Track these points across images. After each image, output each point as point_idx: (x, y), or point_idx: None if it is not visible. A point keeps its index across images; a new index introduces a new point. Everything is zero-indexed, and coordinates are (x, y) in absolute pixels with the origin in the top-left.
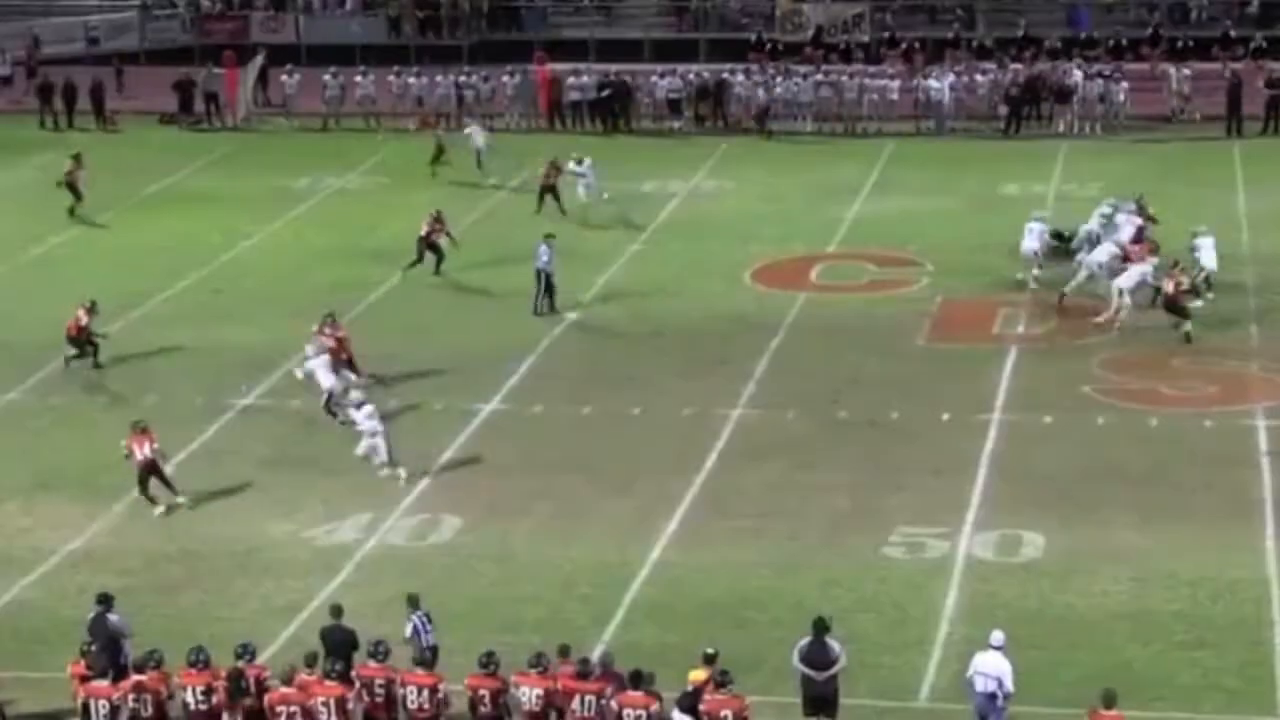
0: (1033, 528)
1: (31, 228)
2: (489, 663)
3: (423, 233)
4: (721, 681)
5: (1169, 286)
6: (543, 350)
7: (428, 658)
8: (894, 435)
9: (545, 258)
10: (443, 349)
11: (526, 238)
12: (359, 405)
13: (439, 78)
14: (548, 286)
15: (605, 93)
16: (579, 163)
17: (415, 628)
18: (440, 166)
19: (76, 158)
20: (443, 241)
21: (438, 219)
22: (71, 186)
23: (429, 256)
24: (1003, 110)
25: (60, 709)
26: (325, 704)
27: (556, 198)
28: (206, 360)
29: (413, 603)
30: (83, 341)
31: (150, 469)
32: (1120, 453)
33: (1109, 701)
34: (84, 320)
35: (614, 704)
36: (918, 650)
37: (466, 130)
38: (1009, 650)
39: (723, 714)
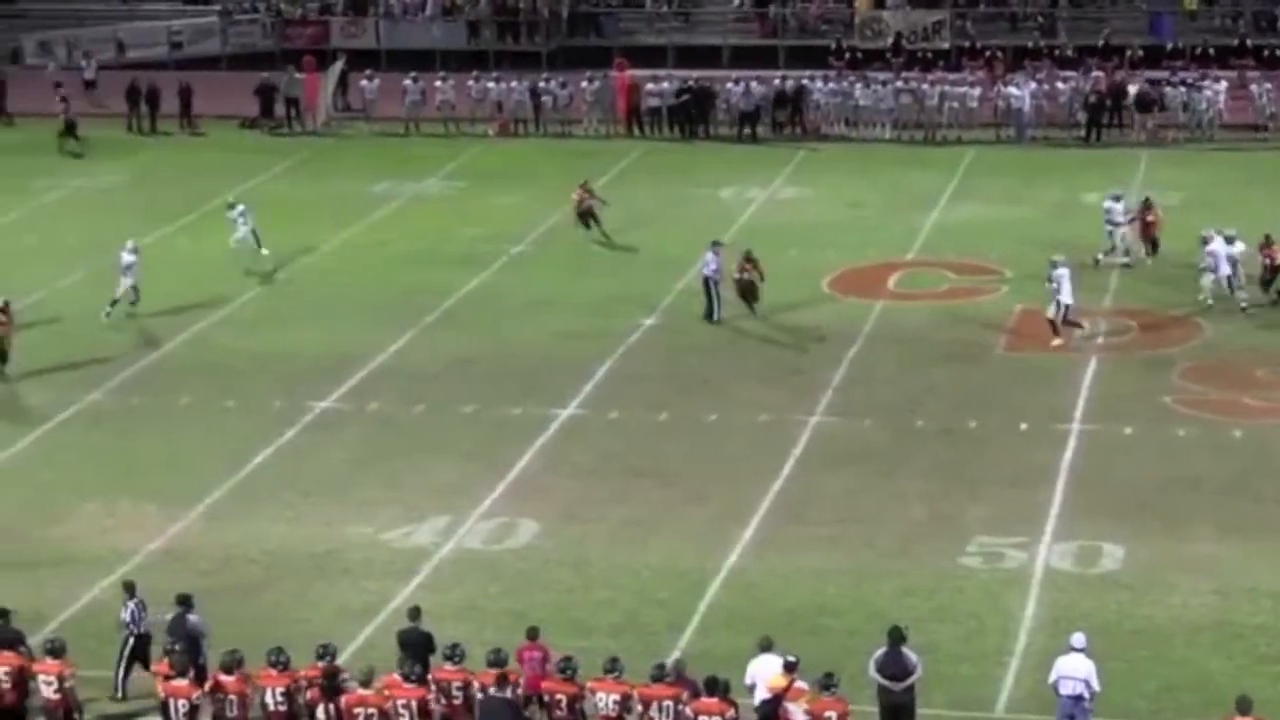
0: (1112, 539)
1: (115, 230)
2: (566, 667)
3: (576, 205)
4: (826, 684)
5: None
6: (620, 355)
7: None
8: (971, 444)
9: (713, 265)
10: (520, 353)
11: (600, 247)
12: None
13: (516, 83)
14: (715, 294)
15: (684, 98)
16: (231, 207)
17: (132, 614)
18: (68, 141)
19: (585, 186)
20: (595, 207)
21: (585, 188)
22: (588, 214)
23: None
24: (1082, 118)
25: (140, 708)
26: (406, 706)
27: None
28: (286, 363)
29: (129, 589)
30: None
31: None
32: (1201, 464)
33: (1244, 708)
34: None
35: (688, 710)
36: (995, 661)
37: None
38: (1090, 651)
39: (827, 715)
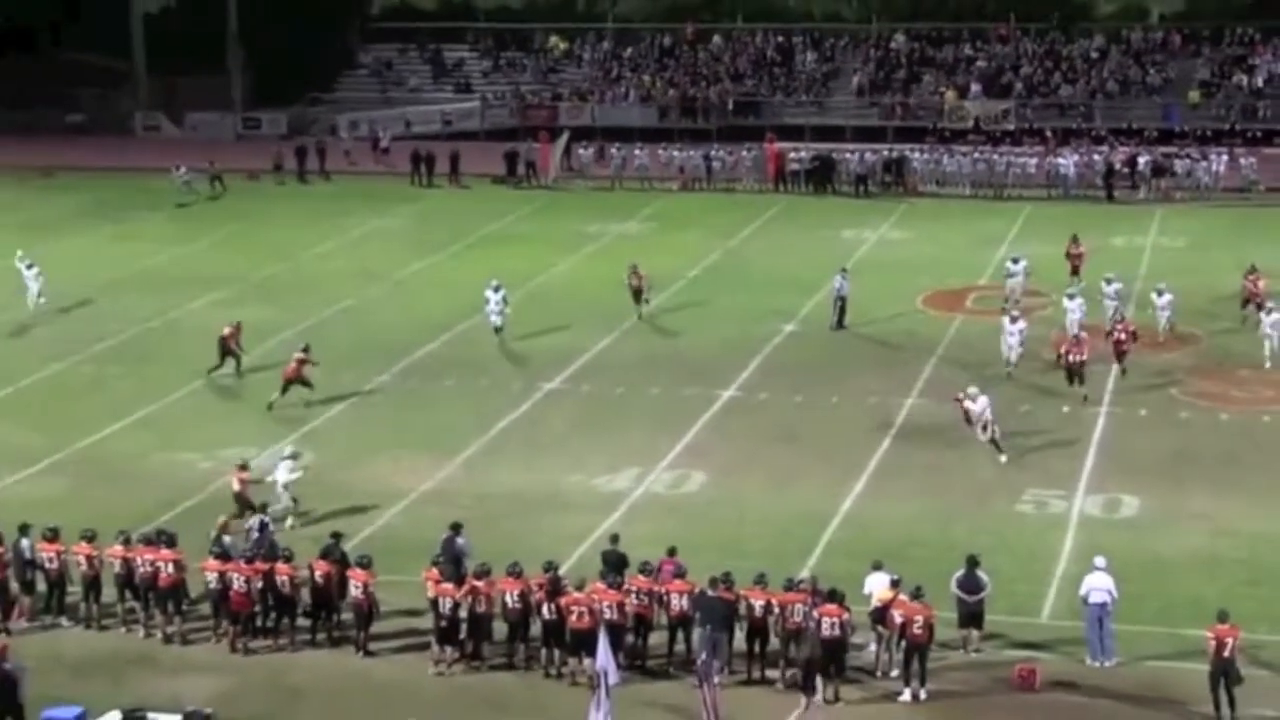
0: (1130, 493)
1: (401, 257)
2: (726, 579)
3: (630, 283)
4: (916, 594)
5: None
6: (767, 353)
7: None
8: (1027, 421)
9: (838, 285)
10: (693, 349)
11: (754, 268)
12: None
13: (693, 151)
14: (842, 308)
15: (815, 164)
16: (29, 267)
17: (261, 524)
18: (222, 186)
19: (635, 268)
20: (646, 286)
21: (635, 270)
22: (638, 292)
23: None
24: (1099, 181)
25: (415, 608)
26: (609, 606)
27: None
28: (524, 355)
29: (263, 509)
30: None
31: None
32: (1198, 439)
33: (1223, 618)
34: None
35: (815, 613)
36: (1042, 581)
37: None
38: (1110, 569)
39: (916, 618)
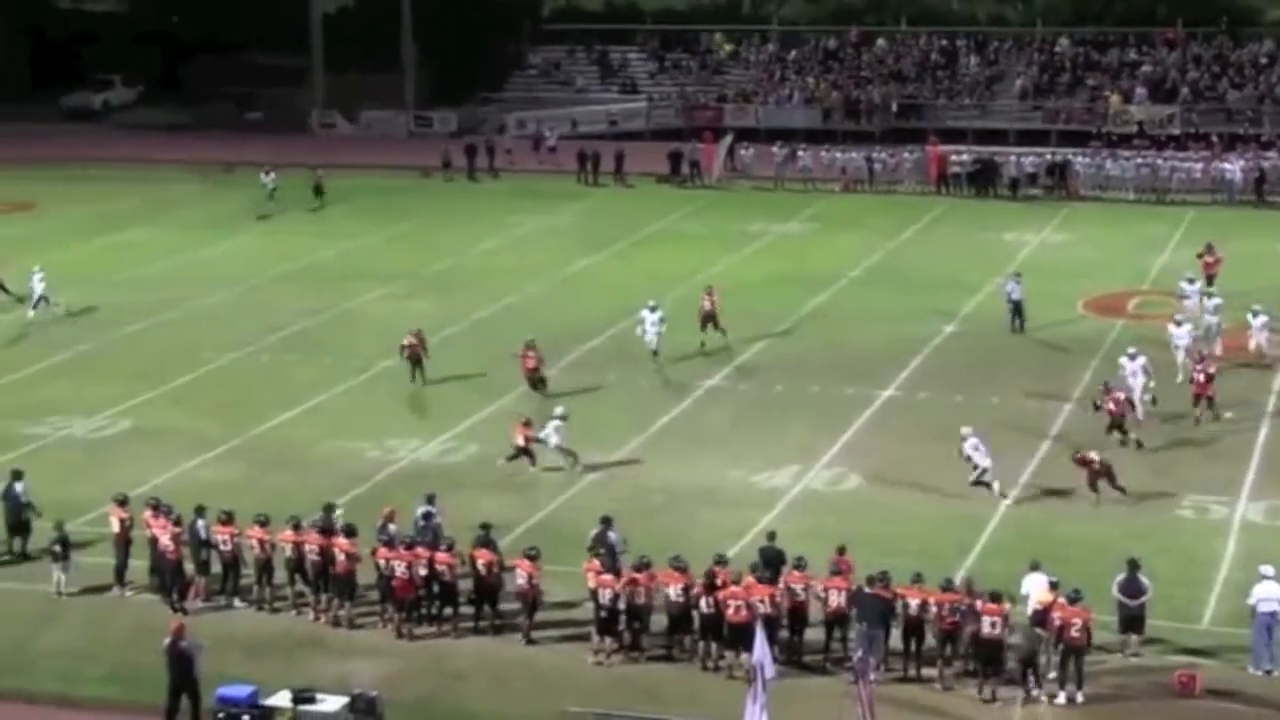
0: None
1: (566, 254)
2: (883, 577)
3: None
4: (1074, 598)
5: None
6: (927, 352)
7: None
8: (1189, 428)
9: (1011, 287)
10: (853, 348)
11: (915, 269)
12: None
13: (856, 153)
14: (1018, 312)
15: (977, 166)
16: (36, 272)
17: (426, 513)
18: (321, 199)
19: (711, 291)
20: (718, 312)
21: (711, 294)
22: (710, 317)
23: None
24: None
25: (574, 598)
26: (762, 600)
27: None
28: (681, 353)
29: (429, 500)
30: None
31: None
32: None
33: None
34: (532, 363)
35: (977, 604)
36: (1203, 587)
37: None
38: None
39: (1074, 621)
